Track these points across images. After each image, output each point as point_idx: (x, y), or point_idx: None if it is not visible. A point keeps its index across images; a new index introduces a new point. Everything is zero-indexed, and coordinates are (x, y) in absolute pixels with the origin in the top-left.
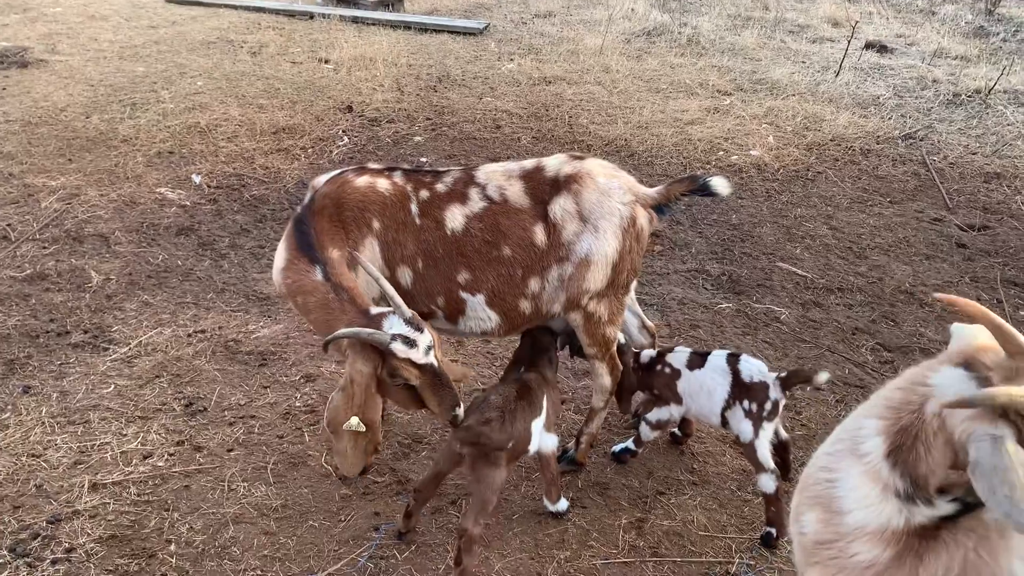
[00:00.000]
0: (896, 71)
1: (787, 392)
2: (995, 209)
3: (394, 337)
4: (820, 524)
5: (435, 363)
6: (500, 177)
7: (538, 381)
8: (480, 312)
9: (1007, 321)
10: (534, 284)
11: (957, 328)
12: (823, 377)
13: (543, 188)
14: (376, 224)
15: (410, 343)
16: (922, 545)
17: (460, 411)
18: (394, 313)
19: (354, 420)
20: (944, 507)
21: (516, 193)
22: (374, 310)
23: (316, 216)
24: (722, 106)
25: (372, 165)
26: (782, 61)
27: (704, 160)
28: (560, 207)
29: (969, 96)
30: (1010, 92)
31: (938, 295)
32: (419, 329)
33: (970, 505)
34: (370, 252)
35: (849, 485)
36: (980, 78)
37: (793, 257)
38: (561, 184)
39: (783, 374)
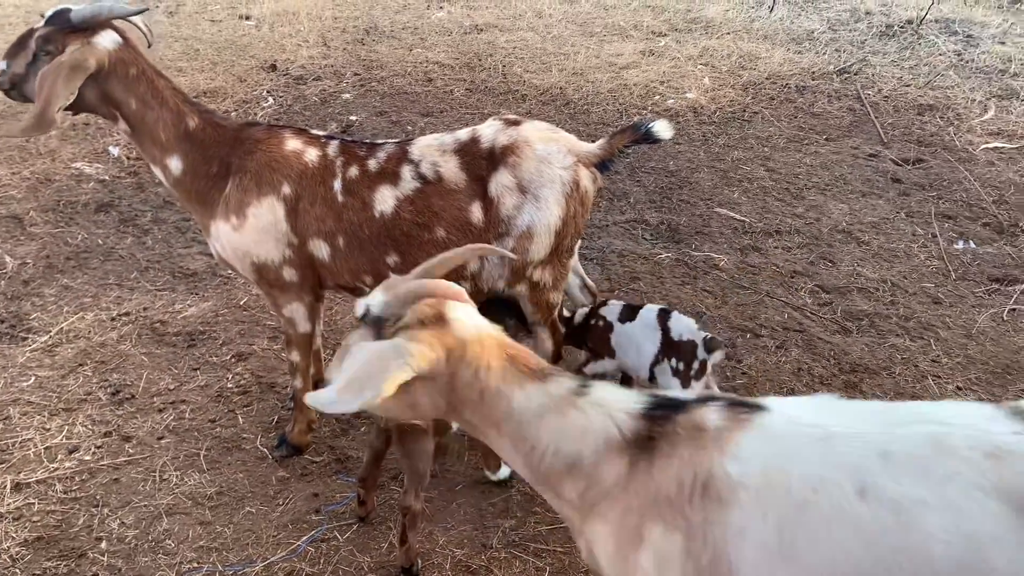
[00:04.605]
0: (829, 3)
1: (711, 353)
2: (928, 142)
3: None
4: (573, 487)
5: None
6: (434, 152)
7: None
8: None
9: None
10: (473, 264)
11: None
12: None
13: (479, 163)
14: (286, 189)
15: None
16: (648, 455)
17: None
18: None
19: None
20: (630, 401)
21: (451, 170)
22: None
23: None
24: (657, 48)
25: (315, 131)
26: None
27: (640, 105)
28: (498, 183)
29: (901, 27)
30: (941, 21)
31: None
32: None
33: (663, 401)
34: (270, 214)
35: (557, 439)
36: (911, 8)
37: (731, 202)
38: (498, 157)
39: (708, 336)
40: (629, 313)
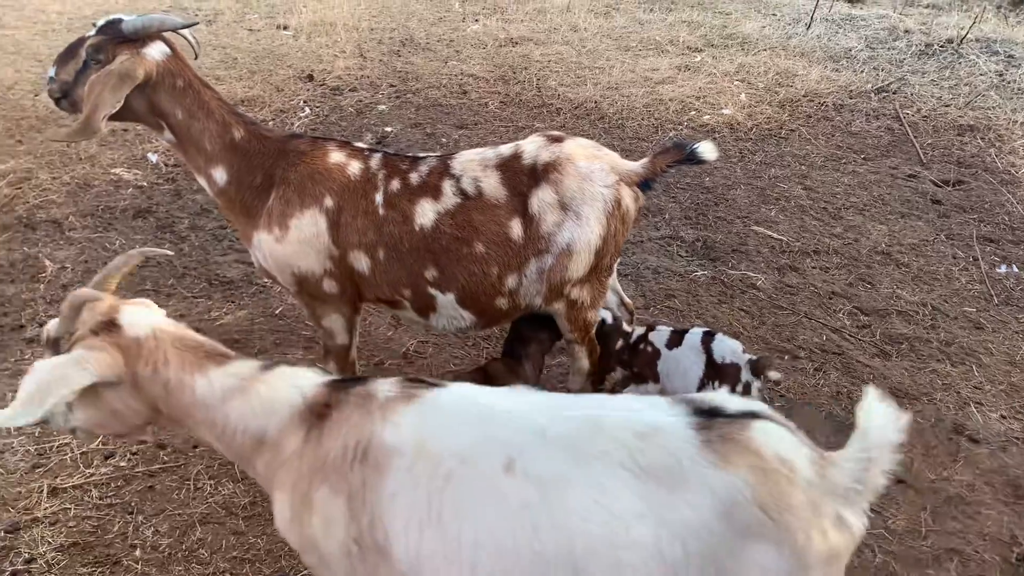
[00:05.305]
0: (868, 21)
1: (758, 376)
2: (969, 163)
3: None
4: (261, 461)
5: None
6: (476, 167)
7: (504, 371)
8: (452, 310)
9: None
10: (511, 280)
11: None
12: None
13: (521, 179)
14: (329, 201)
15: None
16: (321, 423)
17: None
18: None
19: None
20: (318, 376)
21: (492, 185)
22: None
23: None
24: (693, 63)
25: (358, 144)
26: (753, 14)
27: (676, 121)
28: (539, 199)
29: (941, 46)
30: (982, 40)
31: None
32: None
33: (350, 377)
34: (313, 226)
35: (245, 418)
36: (952, 27)
37: (768, 220)
38: (540, 174)
39: (754, 358)
40: (676, 339)
